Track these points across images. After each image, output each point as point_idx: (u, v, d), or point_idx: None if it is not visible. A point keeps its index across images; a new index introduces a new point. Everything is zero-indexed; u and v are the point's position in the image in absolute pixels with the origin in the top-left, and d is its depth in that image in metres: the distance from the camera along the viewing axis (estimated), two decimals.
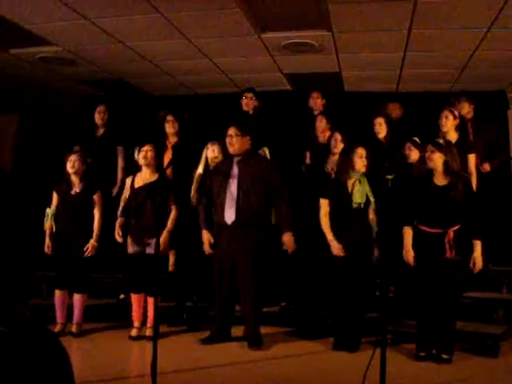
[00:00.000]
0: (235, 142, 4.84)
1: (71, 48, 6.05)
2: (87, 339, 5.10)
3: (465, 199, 4.37)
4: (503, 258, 5.93)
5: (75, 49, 6.07)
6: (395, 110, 6.48)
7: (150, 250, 5.03)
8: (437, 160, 4.44)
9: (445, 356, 4.34)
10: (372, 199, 4.83)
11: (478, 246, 4.38)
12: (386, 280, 4.81)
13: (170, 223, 5.17)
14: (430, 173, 4.51)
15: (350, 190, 4.83)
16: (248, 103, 6.21)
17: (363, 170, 4.85)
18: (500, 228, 6.13)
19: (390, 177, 5.53)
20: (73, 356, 1.78)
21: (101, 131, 6.32)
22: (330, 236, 4.83)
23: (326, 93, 6.41)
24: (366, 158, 4.85)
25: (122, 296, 5.77)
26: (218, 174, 4.98)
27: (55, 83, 7.44)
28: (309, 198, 5.33)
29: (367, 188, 4.85)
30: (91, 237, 5.18)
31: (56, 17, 5.10)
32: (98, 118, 6.28)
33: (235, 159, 4.90)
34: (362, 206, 4.79)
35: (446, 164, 4.43)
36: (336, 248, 4.77)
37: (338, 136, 5.54)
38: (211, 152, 5.50)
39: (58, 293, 5.17)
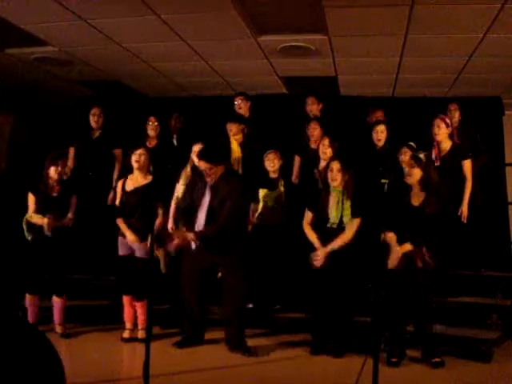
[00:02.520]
0: (209, 174, 4.75)
1: (67, 49, 6.04)
2: (78, 341, 5.06)
3: (436, 216, 4.40)
4: (497, 264, 5.94)
5: (71, 49, 6.07)
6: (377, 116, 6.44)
7: (139, 254, 5.04)
8: (415, 175, 4.48)
9: (435, 360, 4.34)
10: (346, 219, 4.73)
11: (406, 246, 4.39)
12: (378, 285, 4.79)
13: (156, 227, 5.13)
14: (408, 190, 4.54)
15: (329, 207, 4.79)
16: (240, 106, 6.20)
17: (334, 184, 4.77)
18: (494, 234, 6.14)
19: (385, 181, 5.53)
20: (64, 358, 1.76)
21: (96, 134, 6.31)
22: (314, 238, 4.80)
23: (322, 96, 6.35)
24: (340, 171, 4.74)
25: None
26: (196, 184, 4.94)
27: (51, 84, 7.42)
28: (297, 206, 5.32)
29: (346, 207, 4.75)
30: (69, 241, 5.17)
31: (52, 17, 5.09)
32: (92, 120, 6.27)
33: (209, 183, 4.82)
34: (335, 226, 4.74)
35: (423, 180, 4.47)
36: (317, 253, 4.71)
37: (326, 141, 5.48)
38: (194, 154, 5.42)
39: (28, 297, 5.14)
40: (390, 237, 4.46)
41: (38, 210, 5.13)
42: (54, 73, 6.94)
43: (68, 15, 5.00)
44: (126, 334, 5.07)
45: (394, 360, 4.39)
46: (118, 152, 6.26)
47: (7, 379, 1.71)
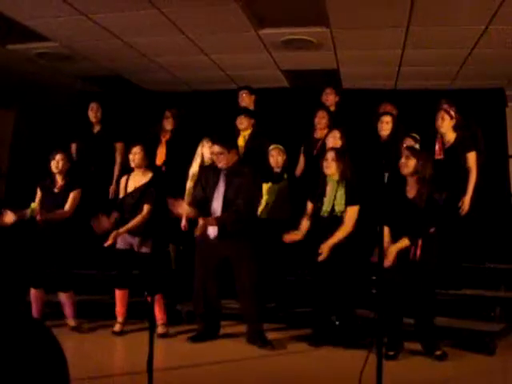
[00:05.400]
0: (222, 159, 4.80)
1: (68, 44, 6.03)
2: (80, 335, 5.09)
3: (428, 208, 4.39)
4: (501, 256, 5.93)
5: (72, 44, 6.05)
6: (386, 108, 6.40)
7: (142, 249, 5.06)
8: (410, 166, 4.46)
9: (438, 352, 4.35)
10: (337, 208, 4.74)
11: (403, 242, 4.39)
12: (382, 278, 4.78)
13: (131, 223, 5.08)
14: (404, 182, 4.53)
15: (325, 196, 4.83)
16: (245, 100, 6.19)
17: (327, 172, 4.81)
18: (497, 226, 6.13)
19: (385, 173, 5.50)
20: (66, 352, 1.76)
21: (97, 128, 6.31)
22: (299, 235, 4.87)
23: (339, 91, 6.36)
24: (334, 160, 4.77)
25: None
26: (207, 180, 4.96)
27: (52, 79, 7.40)
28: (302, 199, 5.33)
29: (338, 195, 4.78)
30: (73, 236, 5.21)
31: (53, 12, 5.08)
32: (91, 115, 6.27)
33: (222, 171, 4.87)
34: (326, 214, 4.76)
35: (417, 172, 4.45)
36: (321, 251, 4.69)
37: (337, 133, 5.48)
38: (207, 149, 5.48)
39: (33, 291, 5.18)
40: (385, 234, 4.42)
41: (41, 204, 5.19)
42: (56, 68, 6.93)
43: (68, 10, 4.98)
44: (117, 328, 5.12)
45: (391, 353, 4.38)
46: (119, 145, 6.25)
47: (9, 374, 1.70)
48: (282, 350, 4.68)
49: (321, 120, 5.87)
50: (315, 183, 5.10)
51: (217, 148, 4.82)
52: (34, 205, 5.20)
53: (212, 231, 4.80)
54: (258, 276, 4.82)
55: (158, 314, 5.08)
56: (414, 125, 5.92)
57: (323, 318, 4.85)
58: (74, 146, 6.33)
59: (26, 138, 7.87)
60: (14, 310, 2.02)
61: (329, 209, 4.77)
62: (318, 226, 4.82)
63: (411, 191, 4.51)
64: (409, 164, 4.46)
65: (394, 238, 4.45)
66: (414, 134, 5.45)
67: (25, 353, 1.72)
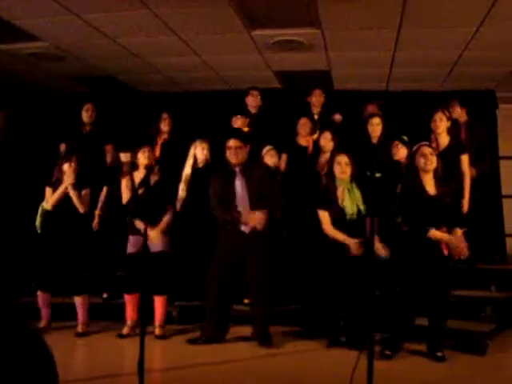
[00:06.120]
0: (239, 153, 4.82)
1: (60, 44, 6.00)
2: (75, 338, 5.06)
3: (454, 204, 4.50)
4: (491, 257, 5.96)
5: (64, 45, 6.03)
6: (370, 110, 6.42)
7: (157, 248, 5.05)
8: (434, 162, 4.45)
9: (439, 354, 4.36)
10: (362, 207, 4.75)
11: (457, 232, 4.45)
12: (389, 280, 4.78)
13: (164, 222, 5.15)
14: (417, 179, 4.51)
15: (340, 200, 4.78)
16: (254, 101, 6.22)
17: (343, 176, 4.80)
18: (488, 227, 6.15)
19: (378, 175, 5.51)
20: (58, 354, 1.75)
21: (87, 129, 6.28)
22: (342, 237, 4.71)
23: (327, 92, 6.43)
24: (349, 164, 4.80)
25: (105, 295, 5.78)
26: (221, 179, 4.93)
27: (44, 79, 7.38)
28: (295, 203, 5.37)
29: (357, 196, 4.79)
30: (84, 240, 5.19)
31: (45, 12, 5.06)
32: (85, 116, 6.24)
33: (237, 168, 4.86)
34: (355, 216, 4.73)
35: (438, 170, 4.47)
36: (353, 244, 4.64)
37: (328, 135, 5.51)
38: (200, 151, 5.48)
39: (40, 294, 5.17)
40: (438, 233, 4.38)
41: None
42: (48, 68, 6.90)
43: (60, 10, 4.96)
44: (125, 330, 5.08)
45: (388, 353, 4.39)
46: (109, 147, 6.23)
47: None
48: (274, 350, 4.66)
49: (304, 127, 5.92)
50: (315, 190, 5.11)
51: (234, 142, 4.83)
52: (46, 206, 5.17)
53: (245, 227, 4.78)
54: (270, 272, 4.82)
55: (158, 315, 5.07)
56: (405, 126, 5.94)
57: (333, 318, 4.80)
58: (62, 146, 6.29)
59: (15, 138, 7.81)
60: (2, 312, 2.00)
61: (356, 210, 4.74)
62: (349, 231, 4.71)
63: (431, 189, 4.47)
64: (433, 160, 4.44)
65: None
66: (404, 137, 5.46)
67: (12, 356, 1.71)
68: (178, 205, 5.48)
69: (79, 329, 5.14)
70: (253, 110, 6.26)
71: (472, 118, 6.07)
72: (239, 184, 4.84)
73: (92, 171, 6.08)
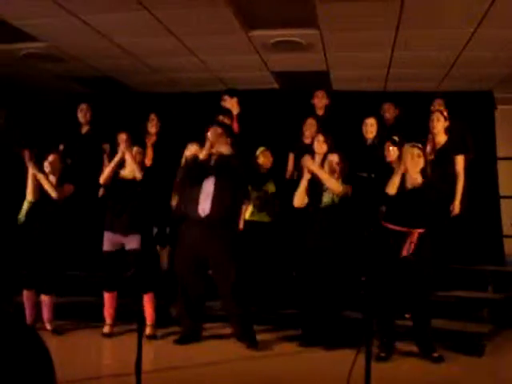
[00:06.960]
0: (220, 142, 4.81)
1: (57, 44, 5.99)
2: (67, 337, 5.07)
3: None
4: (489, 258, 5.96)
5: (61, 45, 6.02)
6: (389, 110, 6.42)
7: (131, 246, 5.04)
8: (420, 164, 4.50)
9: (435, 355, 4.36)
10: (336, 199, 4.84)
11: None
12: (371, 278, 4.79)
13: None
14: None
15: (323, 193, 4.87)
16: (228, 104, 6.21)
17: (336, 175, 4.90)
18: (486, 228, 6.16)
19: (364, 175, 5.54)
20: (53, 354, 1.75)
21: (85, 129, 6.28)
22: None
23: (330, 94, 6.43)
24: (338, 164, 4.89)
25: None
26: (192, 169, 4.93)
27: (41, 80, 7.36)
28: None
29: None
30: (64, 238, 5.19)
31: (42, 12, 5.04)
32: (80, 116, 6.28)
33: (213, 157, 4.86)
34: (329, 205, 4.83)
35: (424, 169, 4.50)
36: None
37: (321, 137, 5.49)
38: (189, 153, 5.45)
39: (25, 292, 5.15)
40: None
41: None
42: (45, 69, 6.88)
43: (58, 11, 4.95)
44: (106, 329, 5.09)
45: (383, 355, 4.39)
46: (107, 147, 6.24)
47: None
48: (270, 352, 4.67)
49: (310, 127, 5.95)
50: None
51: (215, 130, 4.83)
52: (27, 203, 5.17)
53: (202, 211, 4.76)
54: (237, 276, 4.76)
55: (148, 314, 5.04)
56: (402, 126, 5.94)
57: (312, 318, 4.83)
58: (61, 147, 6.28)
59: (15, 138, 7.80)
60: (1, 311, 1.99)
61: (330, 201, 4.82)
62: (317, 218, 4.84)
63: (412, 185, 4.51)
64: (420, 162, 4.49)
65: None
66: (394, 137, 5.46)
67: (9, 355, 1.71)
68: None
69: (48, 327, 5.11)
70: (234, 112, 6.20)
71: (470, 118, 6.08)
72: (211, 174, 4.80)
73: (92, 171, 6.12)
